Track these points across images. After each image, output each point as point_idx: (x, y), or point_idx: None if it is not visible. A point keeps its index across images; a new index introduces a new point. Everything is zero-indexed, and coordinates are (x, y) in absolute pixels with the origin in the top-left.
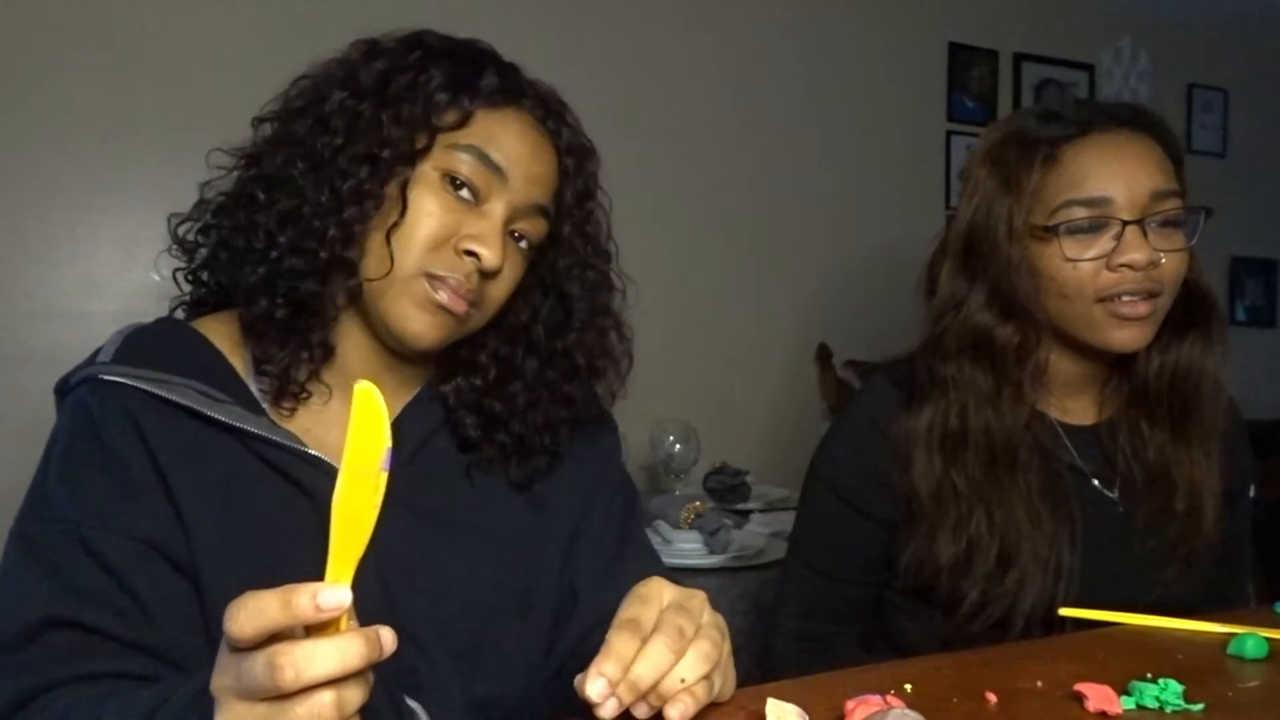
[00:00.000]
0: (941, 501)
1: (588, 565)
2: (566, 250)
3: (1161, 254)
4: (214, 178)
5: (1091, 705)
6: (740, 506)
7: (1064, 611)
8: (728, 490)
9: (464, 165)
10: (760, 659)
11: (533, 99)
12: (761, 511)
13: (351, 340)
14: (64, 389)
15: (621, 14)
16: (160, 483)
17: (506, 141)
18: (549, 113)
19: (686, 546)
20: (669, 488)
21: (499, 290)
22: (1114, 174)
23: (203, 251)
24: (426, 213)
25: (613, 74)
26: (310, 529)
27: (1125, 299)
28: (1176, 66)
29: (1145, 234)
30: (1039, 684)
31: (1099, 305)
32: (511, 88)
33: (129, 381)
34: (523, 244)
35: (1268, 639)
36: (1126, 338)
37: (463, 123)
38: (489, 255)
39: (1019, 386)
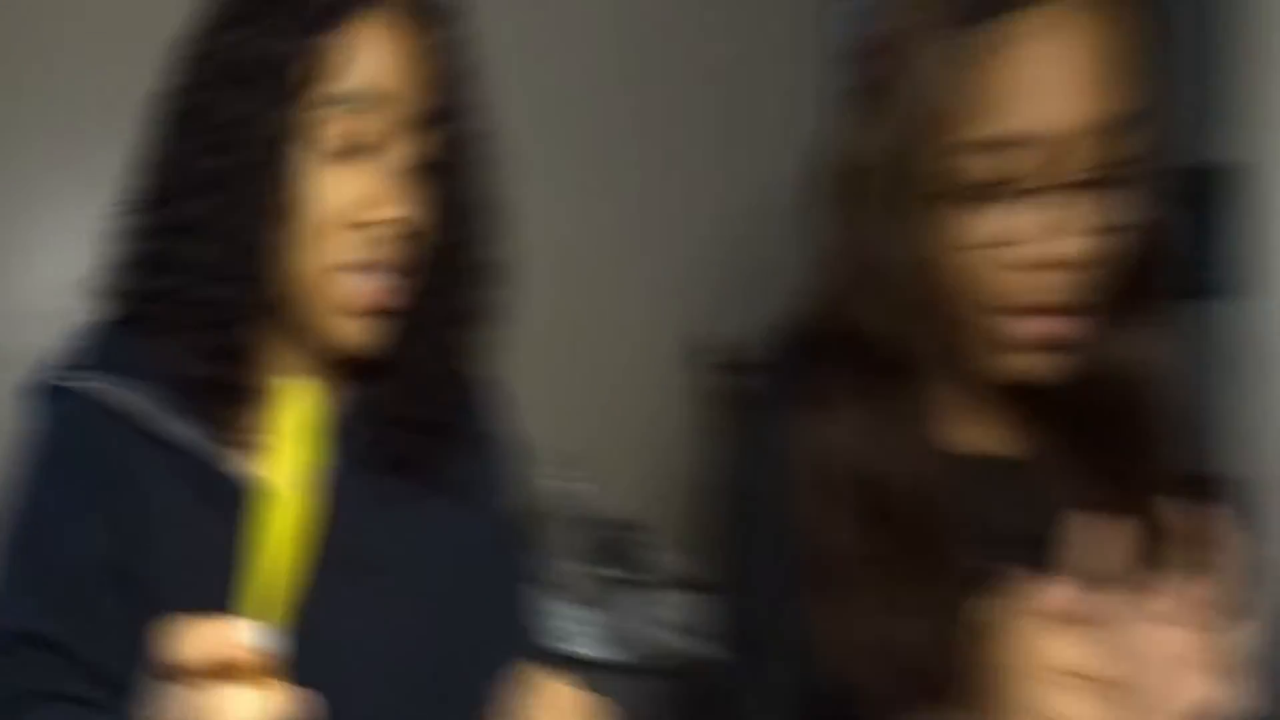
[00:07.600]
0: (844, 567)
1: (468, 615)
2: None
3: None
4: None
5: None
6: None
7: None
8: (616, 550)
9: (341, 120)
10: None
11: None
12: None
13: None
14: (29, 393)
15: None
16: (113, 496)
17: (375, 65)
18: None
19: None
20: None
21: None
22: None
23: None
24: (315, 197)
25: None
26: (243, 558)
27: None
28: None
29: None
30: None
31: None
32: None
33: (81, 387)
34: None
35: None
36: None
37: (316, 67)
38: (395, 211)
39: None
